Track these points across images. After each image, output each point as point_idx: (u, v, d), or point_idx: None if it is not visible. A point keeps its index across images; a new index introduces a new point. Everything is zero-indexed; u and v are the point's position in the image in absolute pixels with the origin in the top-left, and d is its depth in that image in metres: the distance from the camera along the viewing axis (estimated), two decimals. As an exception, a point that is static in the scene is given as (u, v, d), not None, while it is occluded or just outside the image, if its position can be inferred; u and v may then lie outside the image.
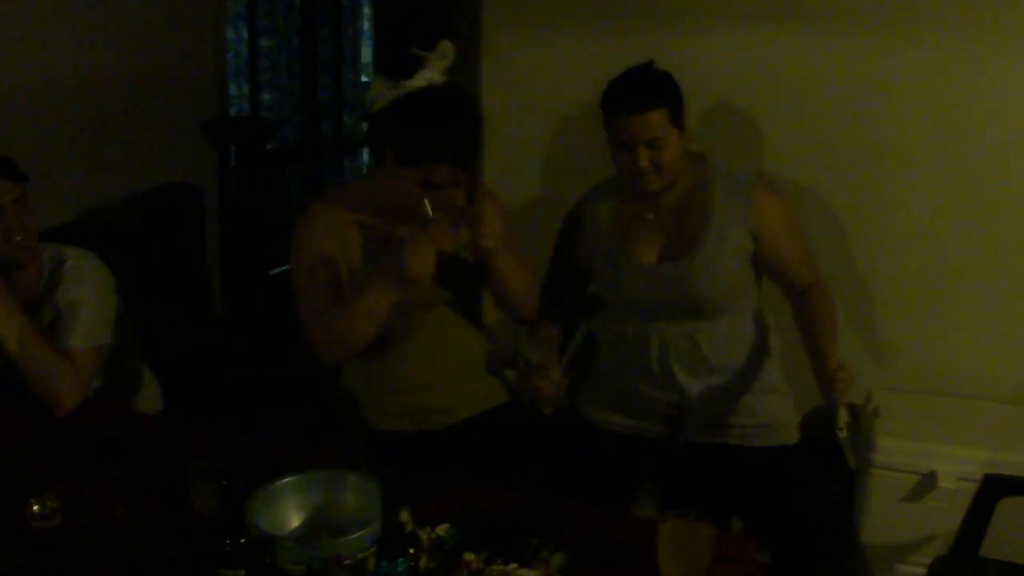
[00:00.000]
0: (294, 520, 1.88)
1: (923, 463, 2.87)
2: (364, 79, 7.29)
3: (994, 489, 2.67)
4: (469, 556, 1.74)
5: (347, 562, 1.63)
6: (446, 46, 2.29)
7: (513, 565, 1.73)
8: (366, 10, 7.29)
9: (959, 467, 2.83)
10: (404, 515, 1.71)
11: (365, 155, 7.37)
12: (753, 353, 2.50)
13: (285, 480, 1.87)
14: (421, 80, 2.24)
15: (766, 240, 2.43)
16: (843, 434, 3.12)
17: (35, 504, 1.92)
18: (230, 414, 3.65)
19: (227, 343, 4.72)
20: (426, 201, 2.21)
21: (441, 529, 1.81)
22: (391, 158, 2.24)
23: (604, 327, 2.64)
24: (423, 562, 1.72)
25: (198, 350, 4.03)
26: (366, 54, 7.30)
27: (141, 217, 4.39)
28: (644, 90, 2.34)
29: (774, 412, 2.51)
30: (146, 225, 4.41)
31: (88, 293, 2.59)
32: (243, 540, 1.61)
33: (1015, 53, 3.01)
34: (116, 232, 4.21)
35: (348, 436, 2.62)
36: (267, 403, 3.95)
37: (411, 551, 1.68)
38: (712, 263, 2.39)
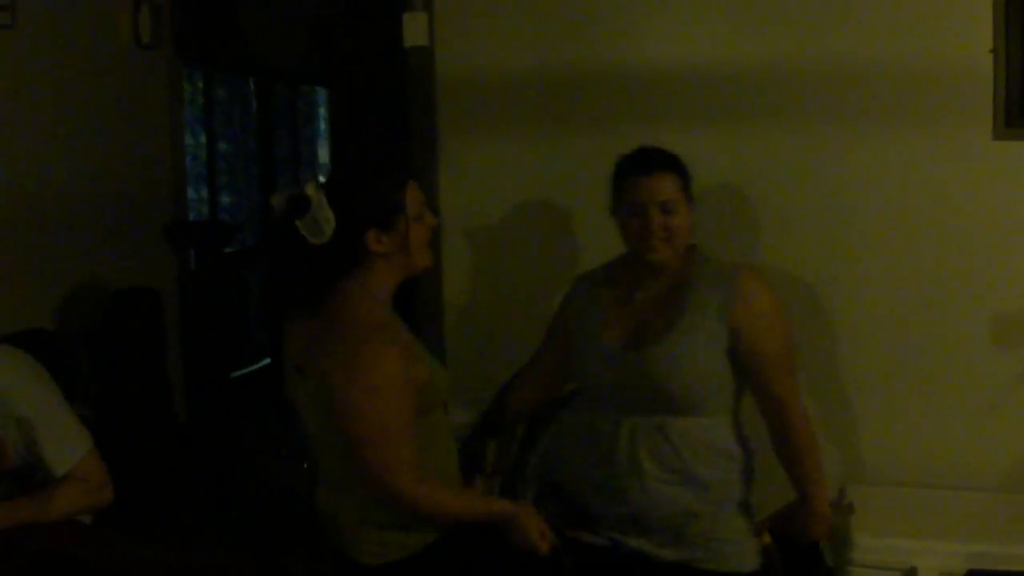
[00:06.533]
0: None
1: (903, 559, 2.80)
2: (322, 180, 7.30)
3: (978, 584, 2.64)
4: None
5: None
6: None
7: None
8: (321, 111, 7.36)
9: (941, 562, 2.77)
10: None
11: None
12: (725, 460, 2.42)
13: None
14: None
15: (745, 333, 2.36)
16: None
17: None
18: (186, 524, 3.58)
19: (188, 449, 4.65)
20: None
21: None
22: None
23: (575, 419, 2.58)
24: None
25: (157, 458, 3.96)
26: (323, 154, 7.35)
27: (101, 322, 4.34)
28: (657, 156, 2.42)
29: (736, 532, 2.43)
30: (106, 330, 4.36)
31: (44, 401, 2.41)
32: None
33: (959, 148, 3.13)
34: (76, 337, 4.15)
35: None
36: (224, 513, 3.87)
37: None
38: (678, 354, 2.34)
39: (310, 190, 2.13)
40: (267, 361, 6.51)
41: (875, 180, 3.20)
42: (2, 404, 2.29)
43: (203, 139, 5.95)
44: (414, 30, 3.56)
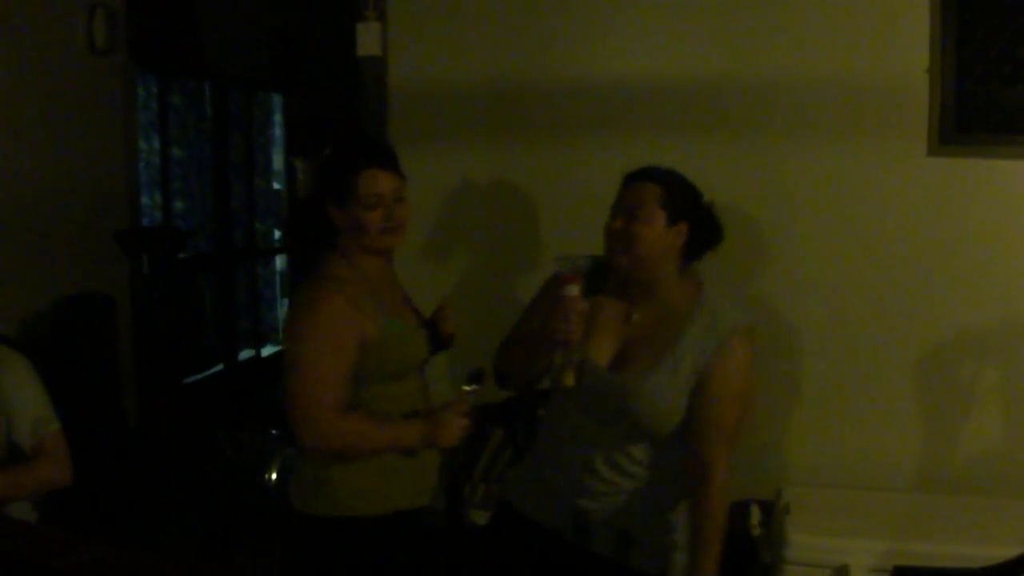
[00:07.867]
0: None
1: (836, 558, 2.92)
2: (276, 186, 7.32)
3: (904, 580, 2.74)
4: None
5: None
6: None
7: None
8: (277, 117, 7.35)
9: (871, 560, 2.89)
10: None
11: (277, 262, 7.38)
12: (669, 480, 2.39)
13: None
14: None
15: (707, 385, 2.30)
16: (756, 531, 3.19)
17: None
18: (136, 527, 3.59)
19: (139, 454, 4.64)
20: None
21: None
22: None
23: (547, 414, 2.59)
24: None
25: (109, 463, 3.96)
26: (277, 161, 7.34)
27: (52, 328, 4.33)
28: (645, 169, 2.41)
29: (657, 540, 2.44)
30: (57, 336, 4.35)
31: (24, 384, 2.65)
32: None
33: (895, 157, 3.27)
34: (26, 343, 4.13)
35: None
36: (175, 515, 3.89)
37: None
38: (656, 393, 2.30)
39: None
40: (220, 367, 6.51)
41: (813, 192, 3.32)
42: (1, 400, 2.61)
43: (157, 144, 5.93)
44: (367, 40, 3.61)
